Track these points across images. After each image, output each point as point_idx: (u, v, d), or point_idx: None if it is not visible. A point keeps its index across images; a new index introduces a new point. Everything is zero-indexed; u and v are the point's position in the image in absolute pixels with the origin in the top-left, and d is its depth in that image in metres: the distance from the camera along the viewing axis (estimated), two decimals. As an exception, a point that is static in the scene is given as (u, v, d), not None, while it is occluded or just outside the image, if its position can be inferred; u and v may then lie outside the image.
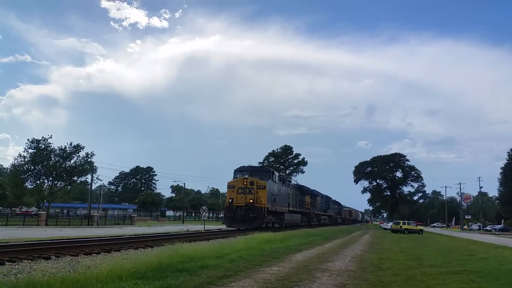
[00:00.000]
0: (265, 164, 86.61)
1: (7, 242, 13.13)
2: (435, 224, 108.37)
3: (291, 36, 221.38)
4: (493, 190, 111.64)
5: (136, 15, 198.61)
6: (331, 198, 64.90)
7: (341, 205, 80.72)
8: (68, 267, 8.94)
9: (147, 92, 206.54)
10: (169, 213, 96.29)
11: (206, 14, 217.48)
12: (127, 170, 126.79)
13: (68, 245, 12.14)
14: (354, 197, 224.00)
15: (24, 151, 47.28)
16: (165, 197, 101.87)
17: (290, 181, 41.47)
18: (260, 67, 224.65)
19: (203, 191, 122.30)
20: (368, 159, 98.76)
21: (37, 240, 14.25)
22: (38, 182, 47.82)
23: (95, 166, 54.14)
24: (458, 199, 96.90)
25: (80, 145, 48.44)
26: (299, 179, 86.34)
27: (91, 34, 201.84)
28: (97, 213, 55.40)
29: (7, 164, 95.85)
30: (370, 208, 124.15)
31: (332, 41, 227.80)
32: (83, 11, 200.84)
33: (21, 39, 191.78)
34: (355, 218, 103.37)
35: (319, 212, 52.76)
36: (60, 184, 49.07)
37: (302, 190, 43.70)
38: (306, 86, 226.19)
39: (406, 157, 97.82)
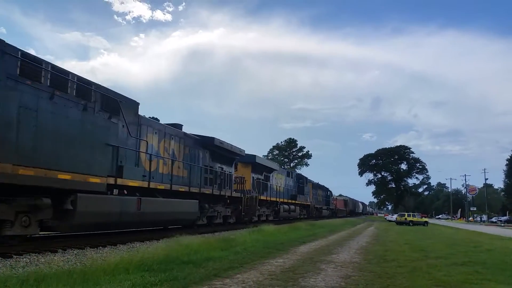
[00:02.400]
0: (269, 158, 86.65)
1: None
2: (440, 216, 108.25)
3: (295, 28, 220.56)
4: (498, 181, 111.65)
5: (140, 9, 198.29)
6: (307, 179, 43.38)
7: (329, 191, 61.44)
8: (74, 259, 9.01)
9: (151, 86, 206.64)
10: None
11: (209, 7, 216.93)
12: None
13: (74, 238, 12.21)
14: (359, 189, 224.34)
15: None
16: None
17: None
18: (264, 60, 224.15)
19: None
20: (373, 152, 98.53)
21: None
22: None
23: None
24: (463, 191, 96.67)
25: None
26: (303, 172, 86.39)
27: (95, 28, 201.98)
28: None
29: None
30: (375, 200, 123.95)
31: (337, 33, 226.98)
32: (86, 5, 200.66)
33: (25, 33, 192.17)
34: (353, 210, 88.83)
35: (274, 198, 29.73)
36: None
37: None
38: (311, 78, 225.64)
39: (411, 149, 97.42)
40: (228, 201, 21.18)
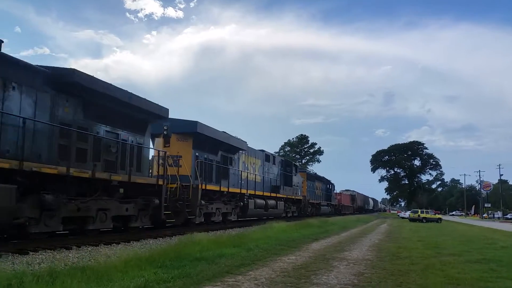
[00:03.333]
0: (280, 154, 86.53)
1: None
2: (454, 213, 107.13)
3: (307, 23, 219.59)
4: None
5: (152, 6, 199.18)
6: (297, 167, 35.59)
7: (331, 184, 52.74)
8: (88, 256, 9.12)
9: (164, 83, 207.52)
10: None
11: (221, 3, 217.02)
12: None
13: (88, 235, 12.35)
14: (372, 186, 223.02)
15: None
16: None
17: None
18: (276, 56, 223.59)
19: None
20: (386, 148, 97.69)
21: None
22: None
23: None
24: (478, 187, 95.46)
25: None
26: (315, 168, 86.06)
27: (107, 25, 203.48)
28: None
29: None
30: (388, 197, 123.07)
31: (348, 28, 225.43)
32: (99, 3, 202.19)
33: (39, 32, 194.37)
34: (362, 206, 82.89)
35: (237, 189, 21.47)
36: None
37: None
38: (322, 74, 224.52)
39: (424, 145, 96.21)
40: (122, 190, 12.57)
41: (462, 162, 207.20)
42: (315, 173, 45.91)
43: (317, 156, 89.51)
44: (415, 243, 15.96)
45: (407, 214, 56.90)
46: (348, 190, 73.95)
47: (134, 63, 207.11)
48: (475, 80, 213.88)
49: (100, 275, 6.78)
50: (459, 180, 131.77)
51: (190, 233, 13.01)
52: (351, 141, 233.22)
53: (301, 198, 33.89)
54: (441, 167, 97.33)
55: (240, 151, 22.46)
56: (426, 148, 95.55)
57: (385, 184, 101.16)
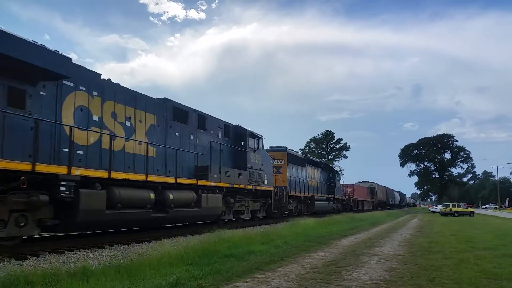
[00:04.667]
0: (306, 151, 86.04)
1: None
2: (487, 206, 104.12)
3: (330, 18, 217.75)
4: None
5: (174, 9, 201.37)
6: (259, 139, 20.21)
7: (337, 173, 39.59)
8: (121, 255, 9.32)
9: (188, 84, 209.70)
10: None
11: (242, 2, 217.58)
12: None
13: (121, 234, 12.62)
14: (401, 181, 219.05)
15: None
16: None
17: None
18: (299, 53, 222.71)
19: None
20: (415, 141, 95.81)
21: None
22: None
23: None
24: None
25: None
26: (342, 164, 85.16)
27: (132, 30, 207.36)
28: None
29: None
30: (418, 191, 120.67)
31: (373, 21, 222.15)
32: (122, 8, 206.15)
33: (66, 39, 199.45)
34: (385, 201, 69.34)
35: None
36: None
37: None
38: (347, 68, 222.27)
39: (454, 137, 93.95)
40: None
41: (494, 154, 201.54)
42: (308, 156, 33.33)
43: (344, 152, 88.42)
44: (447, 238, 15.62)
45: (438, 208, 55.66)
46: (365, 181, 62.85)
47: (159, 65, 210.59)
48: (506, 70, 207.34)
49: (133, 273, 6.93)
50: (491, 172, 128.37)
51: (218, 230, 13.10)
52: (379, 136, 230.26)
53: (270, 189, 20.60)
54: (472, 160, 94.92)
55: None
56: (456, 141, 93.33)
57: (414, 178, 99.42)
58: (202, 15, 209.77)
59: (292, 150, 27.73)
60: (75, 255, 9.02)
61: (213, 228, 13.83)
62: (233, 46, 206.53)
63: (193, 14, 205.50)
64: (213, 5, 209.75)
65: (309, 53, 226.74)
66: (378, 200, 62.80)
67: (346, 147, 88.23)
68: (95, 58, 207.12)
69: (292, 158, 26.76)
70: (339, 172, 38.60)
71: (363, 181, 63.42)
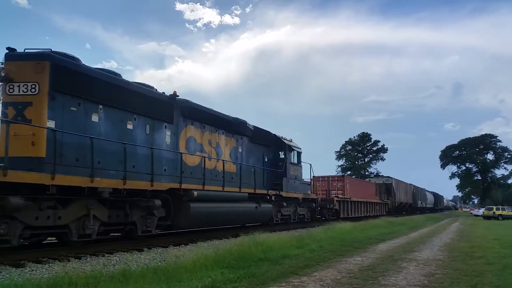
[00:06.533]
0: (341, 153, 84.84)
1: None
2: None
3: (365, 17, 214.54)
4: None
5: (209, 15, 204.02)
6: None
7: (294, 153, 21.20)
8: (159, 258, 9.54)
9: (223, 89, 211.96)
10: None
11: (276, 5, 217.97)
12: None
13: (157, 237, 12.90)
14: (441, 183, 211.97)
15: None
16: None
17: None
18: (333, 54, 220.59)
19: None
20: (456, 142, 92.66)
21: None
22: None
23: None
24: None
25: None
26: (379, 167, 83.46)
27: (169, 37, 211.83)
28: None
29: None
30: (459, 194, 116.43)
31: (410, 19, 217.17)
32: (159, 16, 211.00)
33: (107, 48, 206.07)
34: (407, 203, 51.38)
35: None
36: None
37: None
38: (384, 68, 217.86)
39: (498, 137, 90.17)
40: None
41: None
42: (178, 96, 13.75)
43: (381, 154, 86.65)
44: (490, 242, 15.01)
45: (481, 211, 53.54)
46: (379, 175, 51.09)
47: (194, 71, 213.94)
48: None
49: (170, 275, 7.08)
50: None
51: (253, 234, 13.17)
52: (418, 137, 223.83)
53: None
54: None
55: None
56: (499, 141, 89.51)
57: (456, 181, 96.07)
58: (237, 20, 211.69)
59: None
60: (114, 257, 9.31)
61: (249, 231, 13.95)
62: (267, 49, 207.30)
63: (227, 19, 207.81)
64: (247, 10, 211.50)
65: (344, 54, 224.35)
66: (396, 201, 46.03)
67: (383, 149, 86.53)
68: (135, 66, 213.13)
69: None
70: (297, 150, 21.44)
71: (375, 175, 57.40)
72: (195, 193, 12.89)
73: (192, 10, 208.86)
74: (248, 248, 10.23)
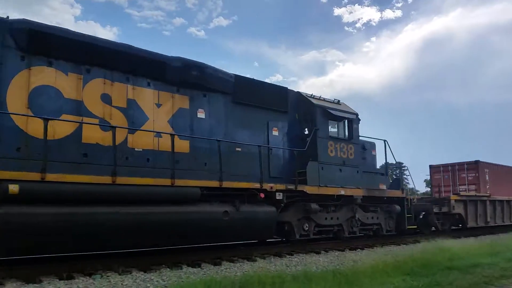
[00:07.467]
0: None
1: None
2: None
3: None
4: None
5: (368, 13, 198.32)
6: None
7: (349, 121, 13.28)
8: (336, 261, 9.68)
9: (386, 86, 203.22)
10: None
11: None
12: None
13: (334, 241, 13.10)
14: None
15: None
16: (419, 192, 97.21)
17: None
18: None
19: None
20: None
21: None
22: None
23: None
24: None
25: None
26: None
27: (328, 43, 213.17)
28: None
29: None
30: None
31: None
32: (320, 26, 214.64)
33: (273, 63, 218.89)
34: None
35: None
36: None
37: None
38: None
39: None
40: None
41: None
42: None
43: None
44: None
45: None
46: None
47: (355, 73, 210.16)
48: None
49: (350, 279, 7.12)
50: None
51: (436, 240, 12.33)
52: None
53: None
54: None
55: None
56: None
57: None
58: (398, 13, 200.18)
59: None
60: (295, 259, 9.81)
61: (431, 237, 13.10)
62: (435, 38, 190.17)
63: (388, 14, 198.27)
64: (410, 0, 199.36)
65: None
66: None
67: None
68: (298, 76, 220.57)
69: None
70: (344, 116, 13.33)
71: None
72: (13, 187, 6.86)
73: (351, 12, 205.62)
74: (432, 255, 9.63)
